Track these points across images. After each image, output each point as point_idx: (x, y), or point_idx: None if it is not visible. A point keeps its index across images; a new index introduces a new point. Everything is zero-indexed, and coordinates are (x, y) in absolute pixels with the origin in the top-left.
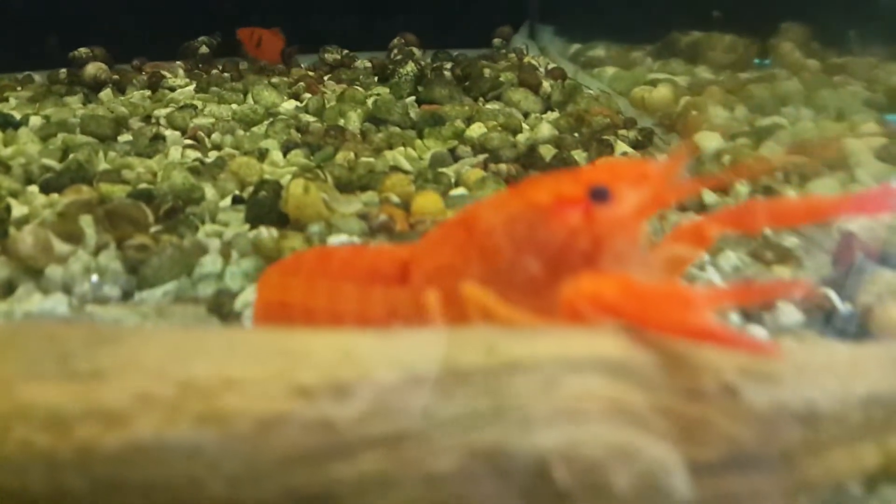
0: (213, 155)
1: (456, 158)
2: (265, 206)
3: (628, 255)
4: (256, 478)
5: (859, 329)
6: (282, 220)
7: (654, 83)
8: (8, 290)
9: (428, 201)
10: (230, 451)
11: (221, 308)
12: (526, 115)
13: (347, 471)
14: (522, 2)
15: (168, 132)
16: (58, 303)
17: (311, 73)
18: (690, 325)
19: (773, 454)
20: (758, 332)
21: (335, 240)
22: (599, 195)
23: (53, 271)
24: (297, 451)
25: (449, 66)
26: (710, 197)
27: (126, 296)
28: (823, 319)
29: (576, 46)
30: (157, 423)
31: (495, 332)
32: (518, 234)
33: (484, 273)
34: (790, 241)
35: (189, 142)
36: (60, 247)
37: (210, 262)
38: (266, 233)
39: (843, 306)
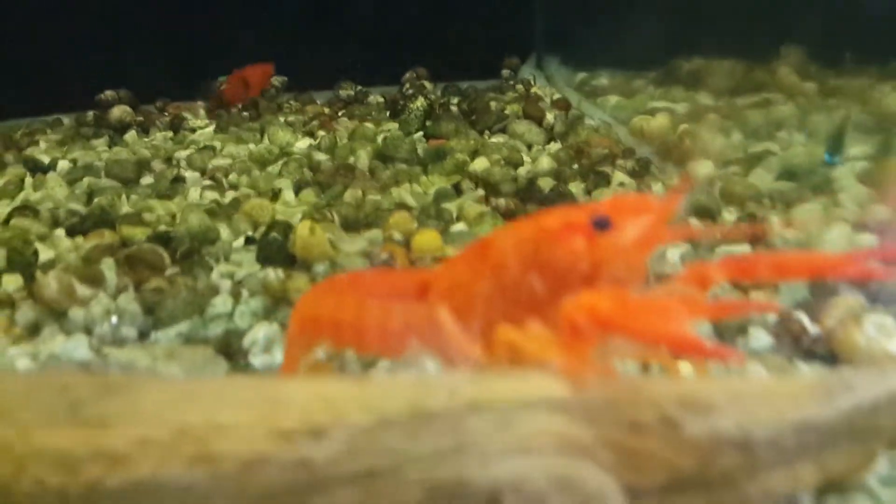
0: (230, 195)
1: (459, 193)
2: (275, 247)
3: (627, 281)
4: None
5: (826, 352)
6: (290, 260)
7: (653, 112)
8: (34, 331)
9: (427, 239)
10: (219, 489)
11: (230, 348)
12: (530, 146)
13: None
14: (530, 32)
15: (188, 173)
16: (79, 344)
17: (325, 110)
18: (671, 336)
19: (713, 478)
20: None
21: None
22: (601, 224)
23: (76, 314)
24: (279, 487)
25: (456, 100)
26: (696, 225)
27: (143, 335)
28: (792, 343)
29: (581, 75)
30: (154, 464)
31: (457, 377)
32: (526, 256)
33: (493, 290)
34: None
35: (208, 182)
36: (83, 290)
37: (221, 303)
38: (273, 274)
39: (813, 329)
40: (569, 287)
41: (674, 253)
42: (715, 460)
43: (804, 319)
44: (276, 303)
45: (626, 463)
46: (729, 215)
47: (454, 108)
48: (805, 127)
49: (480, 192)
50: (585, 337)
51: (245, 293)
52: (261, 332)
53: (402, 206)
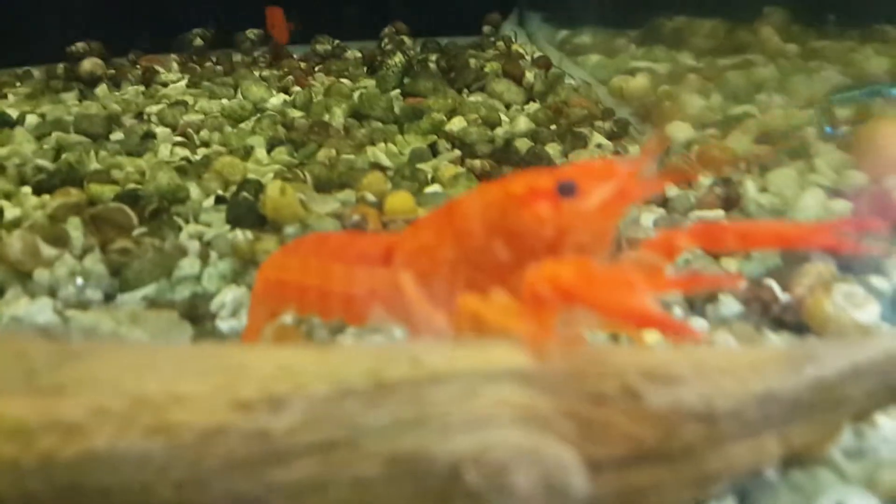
0: (201, 152)
1: (435, 153)
2: (245, 207)
3: (593, 249)
4: (201, 483)
5: (796, 321)
6: (261, 221)
7: (633, 72)
8: None
9: (399, 201)
10: (176, 460)
11: (196, 311)
12: (508, 106)
13: (283, 475)
14: None
15: (159, 129)
16: (43, 306)
17: (301, 65)
18: (632, 309)
19: (675, 450)
20: (699, 322)
21: None
22: (566, 189)
23: (40, 275)
24: (237, 458)
25: (434, 57)
26: (672, 190)
27: (108, 298)
28: (762, 311)
29: (563, 33)
30: (111, 434)
31: (419, 346)
32: (491, 221)
33: (456, 255)
34: None
35: (179, 139)
36: (48, 250)
37: (188, 265)
38: (241, 235)
39: (784, 297)
40: (534, 254)
41: (647, 218)
42: (677, 432)
43: (775, 287)
44: (244, 265)
45: (587, 434)
46: (704, 179)
47: (433, 66)
48: (785, 89)
49: (457, 152)
50: (547, 307)
51: (214, 255)
52: (228, 295)
53: (376, 166)
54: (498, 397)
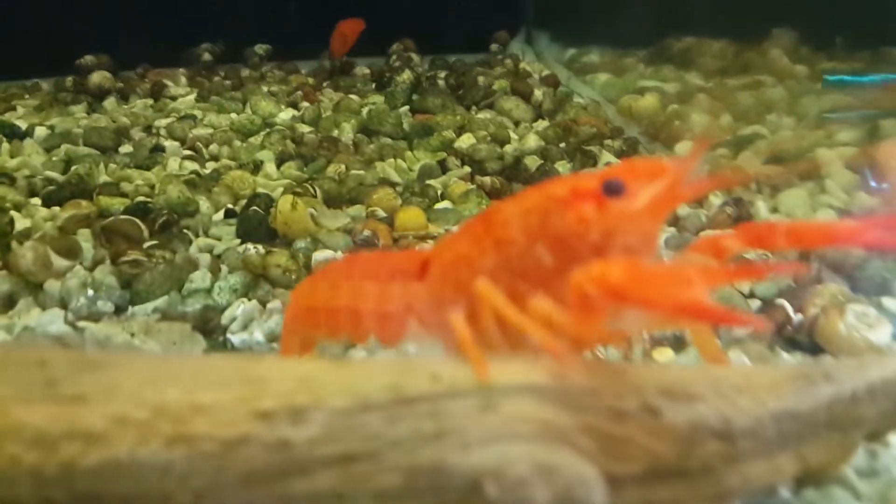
0: (210, 166)
1: (444, 170)
2: (255, 221)
3: (640, 251)
4: (221, 493)
5: (809, 340)
6: (271, 235)
7: (642, 91)
8: (9, 303)
9: (410, 216)
10: (197, 469)
11: (207, 324)
12: (517, 123)
13: (304, 486)
14: (520, 6)
15: (168, 143)
16: (55, 317)
17: (310, 81)
18: (688, 303)
19: (693, 467)
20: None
21: (320, 256)
22: (612, 189)
23: (52, 286)
24: (258, 469)
25: (443, 74)
26: (683, 209)
27: (119, 310)
28: (775, 331)
29: (571, 52)
30: (132, 443)
31: (438, 361)
32: (533, 225)
33: (497, 263)
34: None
35: (188, 152)
36: (59, 262)
37: (199, 278)
38: (253, 249)
39: (796, 317)
40: (579, 259)
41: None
42: (695, 449)
43: (788, 307)
44: (255, 279)
45: (606, 450)
46: (715, 199)
47: (441, 82)
48: (794, 110)
49: (466, 169)
50: (596, 309)
51: (224, 268)
52: (239, 308)
53: (385, 182)
54: (516, 412)
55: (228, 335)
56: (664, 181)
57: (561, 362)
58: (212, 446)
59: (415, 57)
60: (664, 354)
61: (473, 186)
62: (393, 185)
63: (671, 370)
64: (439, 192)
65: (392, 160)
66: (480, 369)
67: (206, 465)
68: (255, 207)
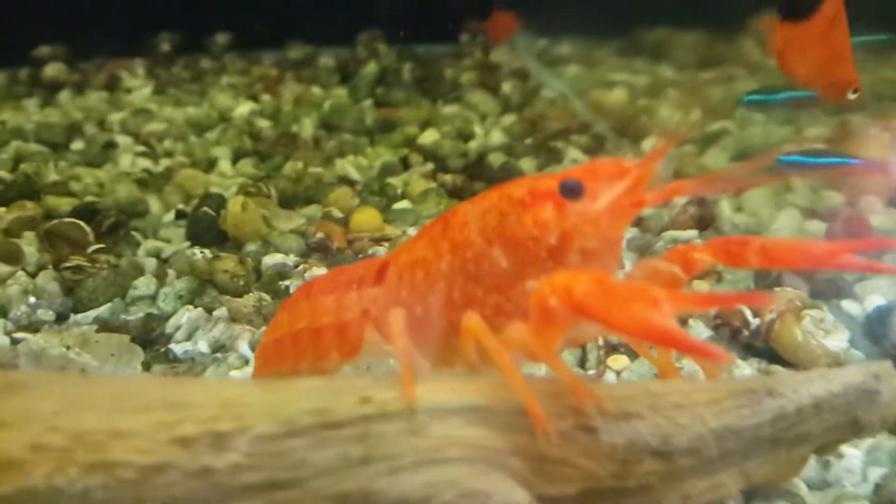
0: (164, 163)
1: (407, 167)
2: (205, 223)
3: (602, 256)
4: None
5: (766, 346)
6: (222, 238)
7: (612, 85)
8: None
9: (366, 217)
10: (115, 497)
11: (150, 333)
12: (484, 117)
13: None
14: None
15: (121, 138)
16: None
17: (273, 72)
18: (654, 326)
19: (631, 486)
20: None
21: (270, 260)
22: (570, 190)
23: None
24: (178, 497)
25: (409, 66)
26: (645, 210)
27: (60, 319)
28: (731, 337)
29: (543, 43)
30: (48, 470)
31: (369, 383)
32: (490, 227)
33: (453, 266)
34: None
35: (141, 149)
36: (0, 267)
37: (144, 284)
38: (200, 254)
39: (755, 322)
40: (537, 264)
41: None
42: (633, 468)
43: (746, 311)
44: (202, 285)
45: (540, 472)
46: (679, 198)
47: (407, 75)
48: (763, 106)
49: (429, 166)
50: (557, 321)
51: (172, 273)
52: (184, 316)
53: (344, 180)
54: (446, 434)
55: (171, 345)
56: (625, 183)
57: (539, 426)
58: (130, 474)
59: (382, 47)
60: (619, 362)
61: (434, 185)
62: (352, 183)
63: (608, 387)
64: (399, 191)
65: (352, 157)
66: (409, 389)
67: (124, 493)
68: (205, 208)
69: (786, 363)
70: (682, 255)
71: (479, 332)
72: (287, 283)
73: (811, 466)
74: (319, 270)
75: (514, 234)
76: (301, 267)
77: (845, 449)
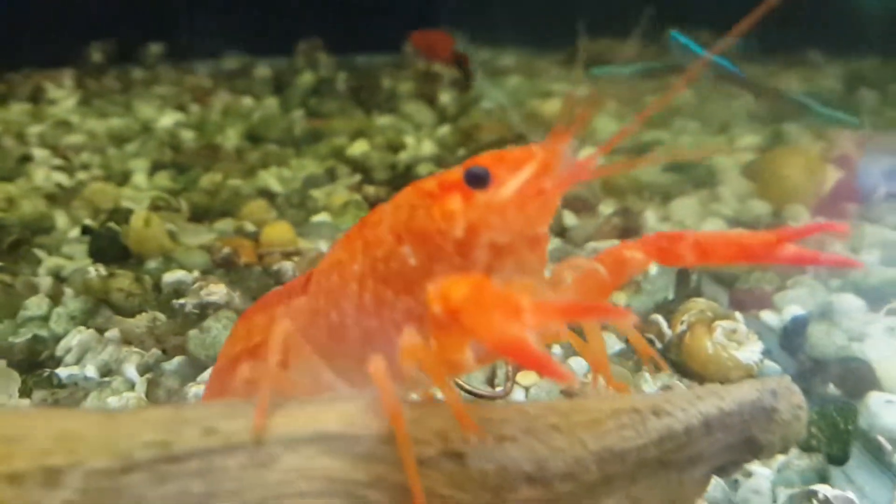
0: (80, 176)
1: (334, 178)
2: (107, 239)
3: (522, 254)
4: None
5: (678, 359)
6: (125, 254)
7: (548, 95)
8: None
9: (277, 232)
10: None
11: (36, 357)
12: (419, 127)
13: None
14: (436, 6)
15: (38, 151)
16: None
17: (206, 83)
18: (508, 338)
19: None
20: (578, 363)
21: (170, 277)
22: (475, 178)
23: None
24: None
25: (344, 76)
26: (570, 220)
27: None
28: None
29: (486, 53)
30: None
31: (217, 412)
32: (400, 223)
33: (365, 267)
34: None
35: (58, 162)
36: None
37: (35, 305)
38: (94, 271)
39: (670, 333)
40: (446, 260)
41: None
42: (505, 496)
43: (662, 323)
44: (97, 304)
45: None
46: (605, 208)
47: (342, 85)
48: (701, 115)
49: (357, 178)
50: (450, 330)
51: (69, 292)
52: (76, 338)
53: (264, 192)
54: (298, 466)
55: (59, 369)
56: (536, 167)
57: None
58: None
59: (322, 57)
60: (528, 377)
61: (357, 197)
62: (272, 196)
63: (480, 410)
64: (320, 204)
65: (276, 168)
66: (259, 418)
67: None
68: (111, 224)
69: (697, 376)
70: (614, 255)
71: (417, 350)
72: (182, 301)
73: (717, 487)
74: (217, 287)
75: (423, 229)
76: (197, 284)
77: (754, 468)
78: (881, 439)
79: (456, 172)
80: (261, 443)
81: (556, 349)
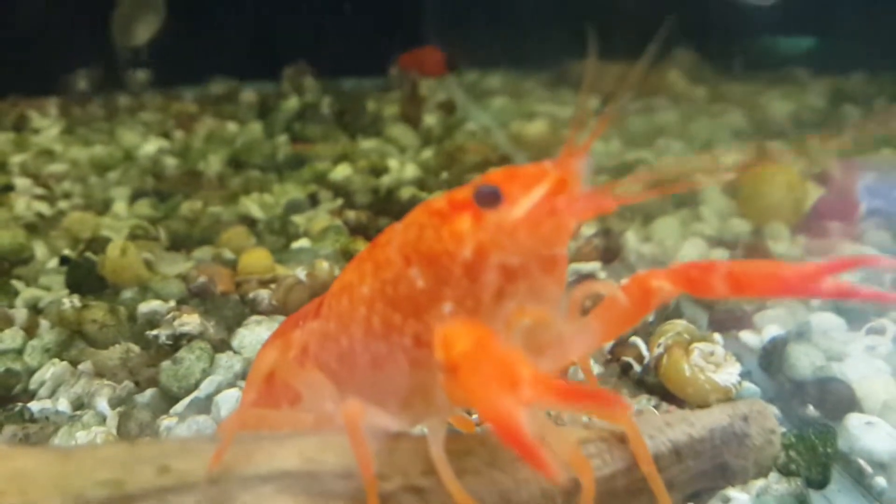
0: (62, 205)
1: (315, 203)
2: (85, 269)
3: (532, 277)
4: None
5: (657, 382)
6: (102, 284)
7: (533, 116)
8: None
9: (255, 258)
10: None
11: (10, 391)
12: (404, 150)
13: None
14: (422, 29)
15: (19, 180)
16: None
17: (192, 109)
18: (500, 415)
19: None
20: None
21: (145, 307)
22: (486, 197)
23: None
24: None
25: (328, 100)
26: None
27: None
28: (621, 372)
29: (472, 76)
30: None
31: (172, 449)
32: (409, 243)
33: (374, 289)
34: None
35: (39, 191)
36: None
37: (10, 337)
38: (68, 302)
39: (648, 356)
40: (454, 283)
41: None
42: None
43: (641, 346)
44: (71, 336)
45: None
46: (587, 230)
47: (326, 109)
48: (685, 134)
49: (339, 202)
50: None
51: (45, 324)
52: (49, 371)
53: (245, 219)
54: None
55: (31, 403)
56: (547, 184)
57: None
58: None
59: (309, 82)
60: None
61: (339, 222)
62: (252, 222)
63: (441, 445)
64: (301, 230)
65: (257, 194)
66: (215, 456)
67: None
68: (88, 253)
69: (676, 399)
70: (640, 284)
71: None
72: (156, 332)
73: None
74: (191, 318)
75: (431, 250)
76: (171, 315)
77: (733, 493)
78: (861, 462)
79: (467, 190)
80: (216, 482)
81: None
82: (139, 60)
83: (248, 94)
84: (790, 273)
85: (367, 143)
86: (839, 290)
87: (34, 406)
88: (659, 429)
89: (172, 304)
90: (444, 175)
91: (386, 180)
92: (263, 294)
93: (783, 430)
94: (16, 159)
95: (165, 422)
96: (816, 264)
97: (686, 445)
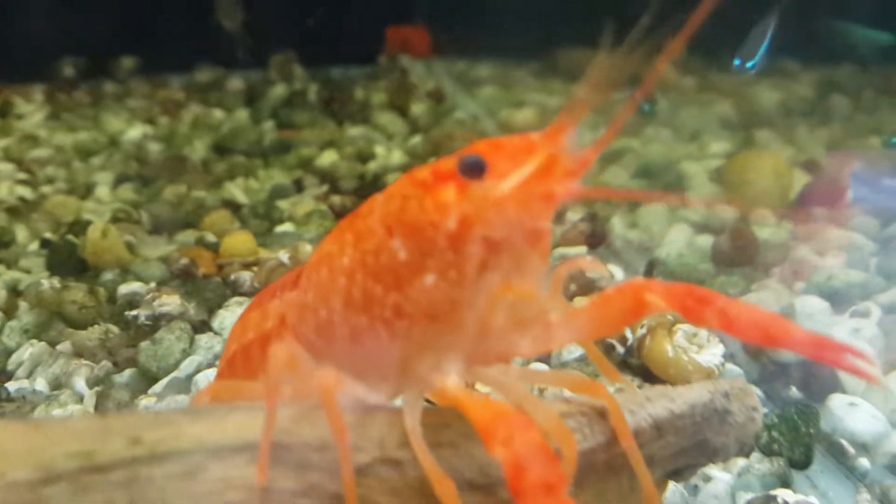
0: (44, 190)
1: (301, 189)
2: (66, 252)
3: (517, 252)
4: None
5: (640, 363)
6: (82, 266)
7: (521, 105)
8: None
9: (238, 242)
10: None
11: None
12: (391, 138)
13: None
14: (411, 18)
15: (2, 165)
16: None
17: (179, 96)
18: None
19: None
20: (540, 366)
21: (126, 289)
22: (470, 167)
23: None
24: None
25: (315, 88)
26: None
27: None
28: (605, 353)
29: (461, 64)
30: None
31: (143, 420)
32: (391, 214)
33: (354, 260)
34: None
35: (22, 176)
36: None
37: None
38: (47, 283)
39: (632, 337)
40: (438, 255)
41: None
42: None
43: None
44: (50, 317)
45: None
46: (573, 215)
47: (313, 96)
48: (673, 123)
49: (324, 188)
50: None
51: (24, 306)
52: (28, 352)
53: (229, 203)
54: (226, 476)
55: (8, 384)
56: (536, 157)
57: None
58: None
59: (297, 70)
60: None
61: (323, 207)
62: (237, 207)
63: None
64: (286, 214)
65: (242, 180)
66: (188, 427)
67: None
68: (70, 237)
69: (659, 381)
70: (635, 295)
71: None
72: (135, 312)
73: (676, 492)
74: (171, 299)
75: (414, 221)
76: (150, 296)
77: (714, 472)
78: (844, 442)
79: (451, 161)
80: (187, 452)
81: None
82: (244, 38)
83: (235, 82)
84: (782, 332)
85: (355, 130)
86: (824, 358)
87: (11, 386)
88: (639, 404)
89: (153, 285)
90: (432, 161)
91: (372, 166)
92: (245, 276)
93: (766, 410)
94: (1, 144)
95: (144, 401)
96: (811, 335)
97: (667, 421)
